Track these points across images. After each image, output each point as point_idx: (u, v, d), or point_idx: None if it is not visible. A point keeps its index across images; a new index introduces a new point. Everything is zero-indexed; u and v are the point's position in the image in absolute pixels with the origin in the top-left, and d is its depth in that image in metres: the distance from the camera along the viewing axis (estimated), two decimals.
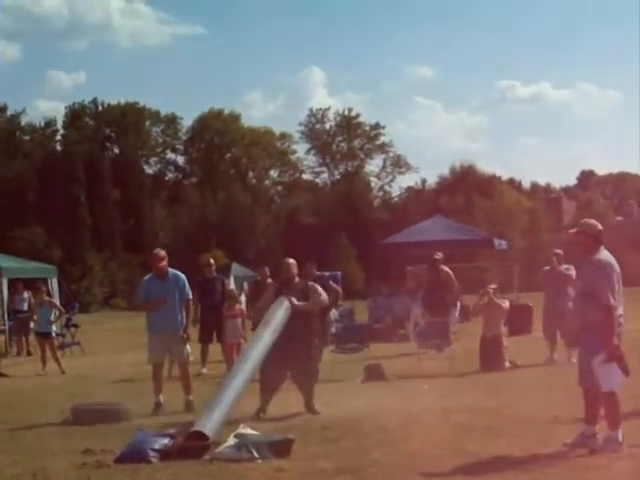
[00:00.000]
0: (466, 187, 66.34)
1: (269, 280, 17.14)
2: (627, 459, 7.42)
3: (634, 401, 9.31)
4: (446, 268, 19.08)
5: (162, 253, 11.85)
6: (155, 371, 11.78)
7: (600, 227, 8.09)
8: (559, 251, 15.67)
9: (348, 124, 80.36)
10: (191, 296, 11.99)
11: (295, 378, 10.88)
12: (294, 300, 10.77)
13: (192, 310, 16.37)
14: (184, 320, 11.76)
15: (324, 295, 11.18)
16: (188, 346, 11.96)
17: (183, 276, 11.88)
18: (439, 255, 19.12)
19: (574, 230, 8.24)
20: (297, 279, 11.25)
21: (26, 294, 23.36)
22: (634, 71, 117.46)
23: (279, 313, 10.66)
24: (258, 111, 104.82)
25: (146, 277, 12.10)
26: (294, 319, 10.62)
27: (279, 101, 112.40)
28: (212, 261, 17.63)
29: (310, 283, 11.40)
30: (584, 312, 7.92)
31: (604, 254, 7.93)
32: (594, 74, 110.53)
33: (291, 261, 11.35)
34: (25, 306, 23.15)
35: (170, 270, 11.83)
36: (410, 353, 15.90)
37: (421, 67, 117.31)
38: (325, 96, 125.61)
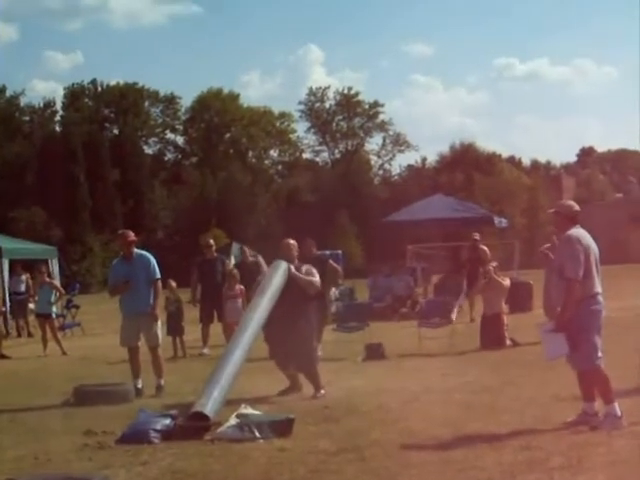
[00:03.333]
0: (466, 165, 66.24)
1: (250, 259, 17.33)
2: (628, 436, 7.41)
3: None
4: (484, 247, 20.85)
5: (129, 233, 11.69)
6: (130, 355, 11.56)
7: (577, 208, 8.18)
8: None
9: (348, 102, 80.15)
10: (159, 276, 11.53)
11: (297, 367, 10.65)
12: (292, 268, 10.49)
13: (192, 290, 16.62)
14: (152, 300, 11.45)
15: (317, 279, 10.69)
16: (159, 328, 11.63)
17: (150, 256, 11.62)
18: (477, 235, 21.46)
19: (551, 210, 8.40)
20: (296, 262, 10.79)
21: (24, 276, 23.36)
22: (631, 47, 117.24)
23: (275, 279, 10.39)
24: (256, 91, 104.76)
25: (114, 261, 12.04)
26: (291, 304, 10.23)
27: (277, 80, 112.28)
28: (212, 242, 17.65)
29: (306, 266, 10.83)
30: (561, 289, 7.96)
31: (575, 231, 7.96)
32: (591, 50, 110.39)
33: (292, 242, 11.01)
34: (22, 288, 23.14)
35: (136, 251, 11.61)
36: (411, 331, 15.88)
37: (418, 45, 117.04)
38: (323, 74, 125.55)
